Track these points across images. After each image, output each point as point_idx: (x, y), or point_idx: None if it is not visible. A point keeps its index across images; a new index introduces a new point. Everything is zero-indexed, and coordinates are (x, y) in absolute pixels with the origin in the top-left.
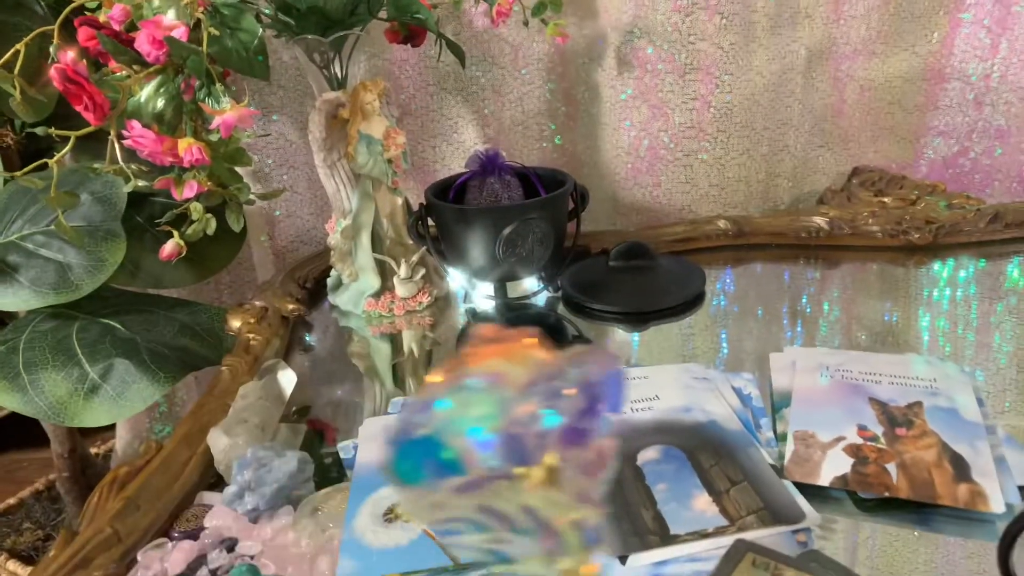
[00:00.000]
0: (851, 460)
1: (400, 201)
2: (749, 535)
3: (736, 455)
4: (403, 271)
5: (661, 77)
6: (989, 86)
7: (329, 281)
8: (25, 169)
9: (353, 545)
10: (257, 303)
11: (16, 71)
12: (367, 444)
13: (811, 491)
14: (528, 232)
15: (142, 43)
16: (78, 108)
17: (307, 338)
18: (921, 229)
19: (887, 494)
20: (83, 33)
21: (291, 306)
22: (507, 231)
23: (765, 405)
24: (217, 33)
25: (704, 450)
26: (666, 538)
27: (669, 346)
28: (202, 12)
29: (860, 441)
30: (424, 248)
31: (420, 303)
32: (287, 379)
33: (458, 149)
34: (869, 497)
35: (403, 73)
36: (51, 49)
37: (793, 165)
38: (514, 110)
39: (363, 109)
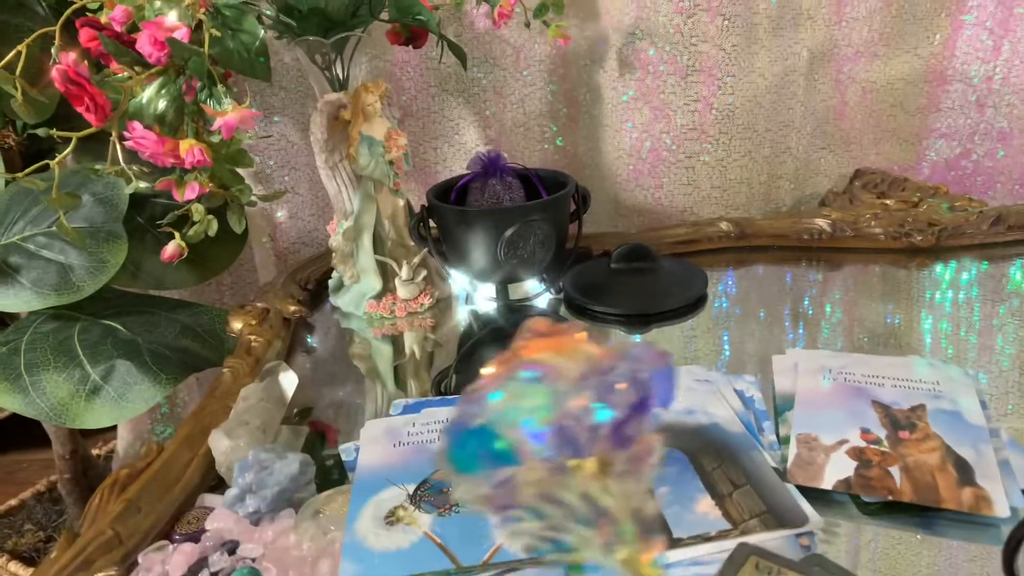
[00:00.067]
0: (854, 463)
1: (402, 203)
2: (752, 538)
3: (739, 458)
4: (404, 273)
5: (663, 79)
6: (991, 88)
7: (330, 283)
8: (27, 170)
9: (355, 548)
10: (259, 304)
11: (18, 72)
12: (369, 446)
13: (814, 494)
14: (530, 234)
15: (144, 44)
16: (79, 109)
17: (308, 340)
18: (923, 231)
19: (890, 498)
20: (85, 34)
21: (292, 308)
22: (509, 233)
23: (767, 408)
24: (219, 34)
25: (706, 453)
26: (668, 541)
27: (671, 348)
28: (204, 13)
29: (863, 444)
30: (425, 250)
31: (421, 305)
32: (288, 381)
33: (459, 151)
34: (872, 500)
35: (405, 74)
36: (52, 50)
37: (795, 167)
38: (516, 112)
39: (365, 111)
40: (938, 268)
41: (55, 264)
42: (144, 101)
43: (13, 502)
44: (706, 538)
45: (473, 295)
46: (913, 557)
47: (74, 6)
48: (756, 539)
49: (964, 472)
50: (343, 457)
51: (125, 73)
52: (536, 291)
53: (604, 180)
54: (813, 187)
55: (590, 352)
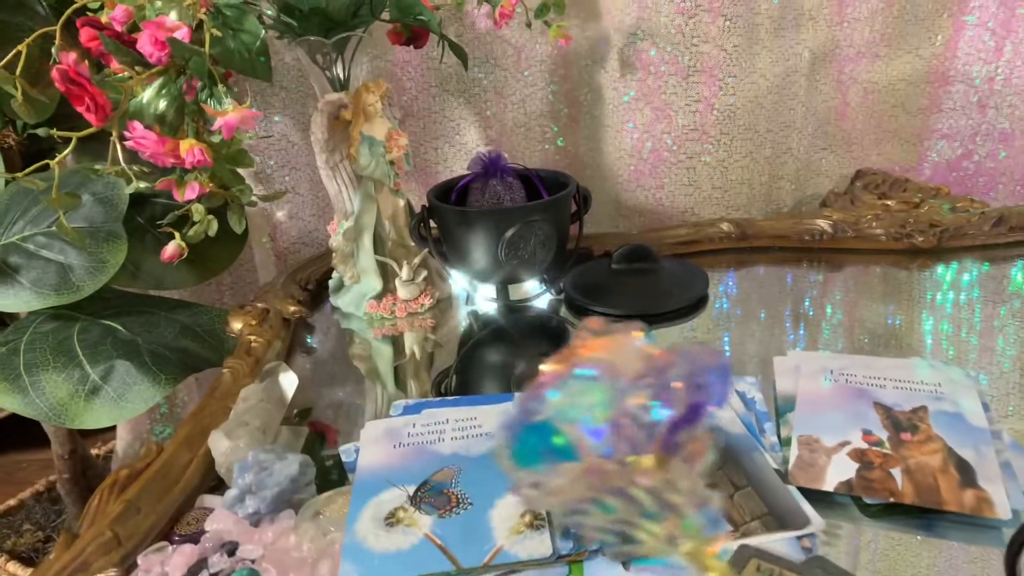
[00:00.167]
0: (856, 465)
1: (402, 203)
2: (753, 540)
3: (740, 460)
4: (405, 273)
5: (664, 79)
6: (993, 89)
7: (331, 283)
8: (27, 170)
9: (355, 549)
10: (258, 305)
11: (18, 72)
12: (369, 447)
13: (815, 496)
14: (530, 234)
15: (144, 44)
16: (80, 109)
17: (308, 340)
18: (925, 232)
19: (892, 499)
20: (85, 34)
21: (292, 308)
22: (509, 233)
23: (769, 409)
24: (219, 34)
25: None
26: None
27: None
28: (204, 13)
29: (865, 446)
30: (426, 250)
31: (422, 305)
32: (288, 381)
33: (460, 151)
34: (874, 502)
35: (405, 75)
36: (53, 50)
37: (796, 168)
38: (516, 112)
39: (365, 111)
40: (939, 269)
41: (55, 264)
42: (144, 101)
43: (12, 502)
44: None
45: (473, 296)
46: (914, 559)
47: (75, 6)
48: (757, 541)
49: (966, 474)
50: (343, 458)
51: (125, 73)
52: (537, 292)
53: (605, 180)
54: (814, 188)
55: (646, 351)
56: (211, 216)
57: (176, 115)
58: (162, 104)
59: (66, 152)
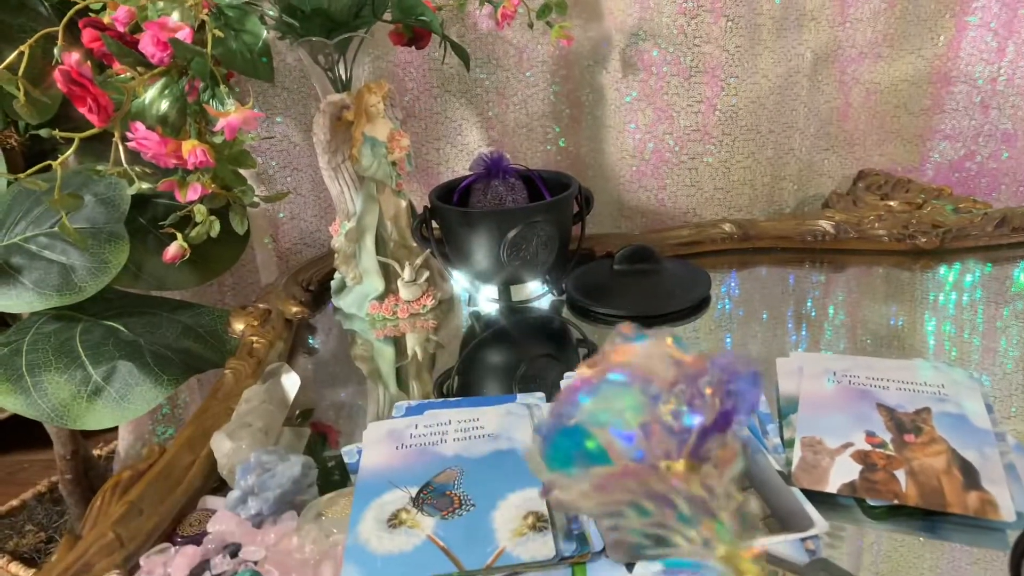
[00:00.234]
0: (859, 467)
1: (404, 204)
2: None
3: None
4: (407, 274)
5: (666, 80)
6: (995, 89)
7: (333, 284)
8: (29, 171)
9: (357, 551)
10: (260, 305)
11: (20, 73)
12: (371, 448)
13: (819, 498)
14: (532, 235)
15: (146, 45)
16: (82, 110)
17: (310, 341)
18: (927, 233)
19: (896, 501)
20: (87, 35)
21: (295, 309)
22: (511, 234)
23: (772, 411)
24: (221, 35)
25: None
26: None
27: None
28: (206, 14)
29: (868, 448)
30: (428, 251)
31: (424, 306)
32: (291, 382)
33: (462, 152)
34: (878, 504)
35: (407, 75)
36: (55, 51)
37: (798, 168)
38: (518, 112)
39: (367, 111)
40: (942, 270)
41: (57, 265)
42: (147, 102)
43: (14, 503)
44: None
45: (476, 296)
46: (918, 561)
47: (77, 7)
48: (760, 543)
49: (970, 476)
50: (345, 459)
51: (128, 74)
52: (539, 292)
53: (607, 181)
54: (816, 188)
55: (678, 357)
56: (213, 217)
57: (178, 116)
58: (164, 105)
59: (68, 153)
